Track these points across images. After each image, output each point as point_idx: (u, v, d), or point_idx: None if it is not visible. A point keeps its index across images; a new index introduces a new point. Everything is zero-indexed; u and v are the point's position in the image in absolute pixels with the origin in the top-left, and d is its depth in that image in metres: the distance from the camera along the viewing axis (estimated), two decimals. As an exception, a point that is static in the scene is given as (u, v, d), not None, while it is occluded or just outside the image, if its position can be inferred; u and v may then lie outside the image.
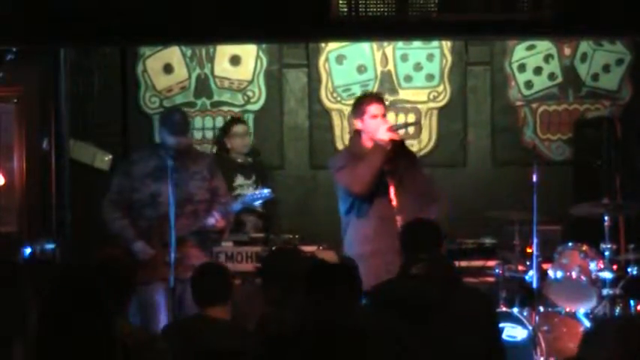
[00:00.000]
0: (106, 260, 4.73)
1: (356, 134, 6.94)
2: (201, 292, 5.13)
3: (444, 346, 4.65)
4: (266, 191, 7.02)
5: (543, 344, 6.87)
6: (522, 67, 9.53)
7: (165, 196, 6.70)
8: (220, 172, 7.20)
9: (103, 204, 7.02)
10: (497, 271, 7.36)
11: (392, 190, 6.76)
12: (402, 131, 7.64)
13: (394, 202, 6.74)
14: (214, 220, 6.87)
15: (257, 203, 7.05)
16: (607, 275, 7.13)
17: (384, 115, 6.79)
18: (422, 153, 9.24)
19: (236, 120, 8.78)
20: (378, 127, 6.70)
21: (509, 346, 6.39)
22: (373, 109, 6.77)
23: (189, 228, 6.86)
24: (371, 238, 6.72)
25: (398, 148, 6.84)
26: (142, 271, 6.73)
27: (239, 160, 8.42)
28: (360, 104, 6.88)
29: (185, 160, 6.88)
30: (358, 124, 6.85)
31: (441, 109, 9.49)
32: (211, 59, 9.45)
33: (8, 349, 2.57)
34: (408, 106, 9.43)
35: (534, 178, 7.07)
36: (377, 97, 7.04)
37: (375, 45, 9.40)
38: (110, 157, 9.19)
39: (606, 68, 9.54)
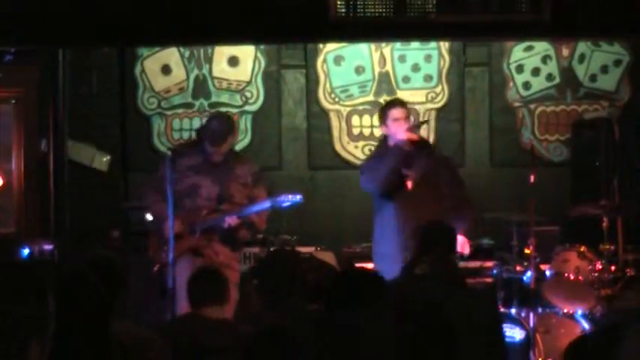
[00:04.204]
0: (98, 260, 4.74)
1: (383, 139, 7.14)
2: (196, 294, 5.17)
3: (446, 346, 4.65)
4: (298, 197, 7.01)
5: (541, 345, 6.88)
6: (520, 68, 9.54)
7: (206, 189, 6.83)
8: (264, 183, 7.17)
9: (145, 188, 7.06)
10: (495, 271, 7.36)
11: (410, 191, 6.87)
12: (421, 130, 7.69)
13: (409, 204, 6.84)
14: (230, 221, 6.85)
15: (285, 205, 7.02)
16: (605, 276, 7.14)
17: (406, 118, 6.94)
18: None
19: None
20: (398, 129, 6.88)
21: (507, 347, 6.38)
22: (394, 112, 6.98)
23: (213, 222, 6.86)
24: (383, 240, 6.91)
25: (419, 148, 6.95)
26: (164, 253, 6.67)
27: None
28: (383, 110, 7.11)
29: (230, 161, 6.92)
30: (384, 129, 7.07)
31: (439, 110, 9.50)
32: (209, 60, 9.45)
33: (24, 350, 2.59)
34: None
35: (532, 179, 7.07)
36: (398, 102, 7.26)
37: (373, 46, 9.40)
38: (108, 157, 9.19)
39: (604, 69, 9.55)
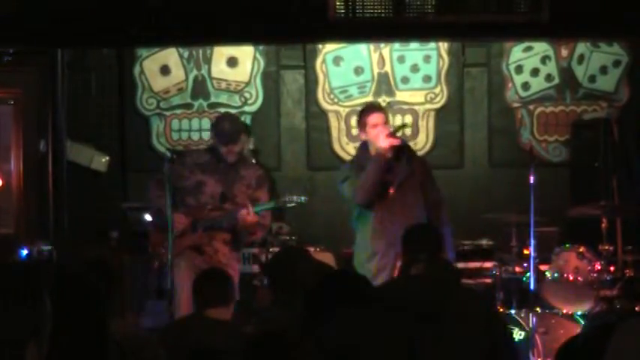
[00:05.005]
0: (94, 259, 4.74)
1: (362, 145, 7.04)
2: (201, 295, 5.16)
3: (444, 347, 4.65)
4: (302, 198, 7.01)
5: (540, 346, 6.87)
6: (519, 69, 9.54)
7: (210, 187, 6.83)
8: (268, 187, 7.17)
9: (149, 183, 7.04)
10: (494, 272, 7.36)
11: (391, 196, 6.82)
12: (400, 133, 7.59)
13: (390, 208, 6.79)
14: (245, 211, 6.82)
15: (289, 206, 7.04)
16: (604, 277, 7.14)
17: (384, 123, 6.86)
18: (419, 154, 9.22)
19: None
20: (378, 136, 6.77)
21: (515, 348, 6.37)
22: (372, 118, 6.87)
23: (219, 218, 6.86)
24: (370, 245, 6.83)
25: (400, 152, 6.88)
26: (165, 249, 6.66)
27: None
28: (360, 117, 7.01)
29: (238, 162, 6.95)
30: (363, 135, 6.98)
31: (438, 111, 9.50)
32: (208, 61, 9.45)
33: (21, 351, 2.58)
34: (405, 107, 9.44)
35: (531, 180, 7.07)
36: (376, 107, 7.22)
37: (372, 46, 9.40)
38: (107, 158, 9.18)
39: (603, 70, 9.55)
